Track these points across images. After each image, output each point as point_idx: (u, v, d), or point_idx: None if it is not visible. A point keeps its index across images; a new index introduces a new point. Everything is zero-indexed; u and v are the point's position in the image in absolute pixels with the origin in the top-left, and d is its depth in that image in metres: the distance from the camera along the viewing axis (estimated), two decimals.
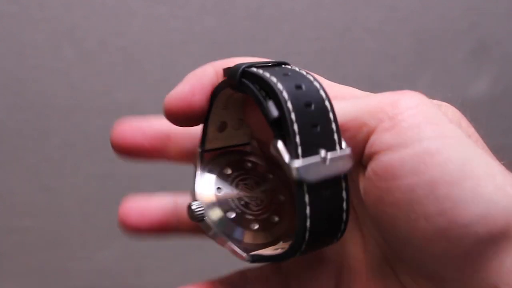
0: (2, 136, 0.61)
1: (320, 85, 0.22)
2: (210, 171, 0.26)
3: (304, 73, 0.23)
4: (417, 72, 0.68)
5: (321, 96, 0.21)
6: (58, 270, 0.63)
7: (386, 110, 0.21)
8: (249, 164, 0.28)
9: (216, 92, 0.25)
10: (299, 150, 0.20)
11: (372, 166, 0.21)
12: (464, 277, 0.19)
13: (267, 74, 0.22)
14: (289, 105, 0.20)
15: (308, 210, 0.20)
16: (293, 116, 0.20)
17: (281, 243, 0.26)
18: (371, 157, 0.21)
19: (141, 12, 0.62)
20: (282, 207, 0.27)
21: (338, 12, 0.65)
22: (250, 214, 0.26)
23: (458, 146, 0.20)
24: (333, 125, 0.21)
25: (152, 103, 0.63)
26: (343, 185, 0.21)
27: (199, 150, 0.27)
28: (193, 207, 0.25)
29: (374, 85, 0.58)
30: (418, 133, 0.20)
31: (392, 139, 0.20)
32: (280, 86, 0.21)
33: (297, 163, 0.20)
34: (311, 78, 0.22)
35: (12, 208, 0.62)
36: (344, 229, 0.22)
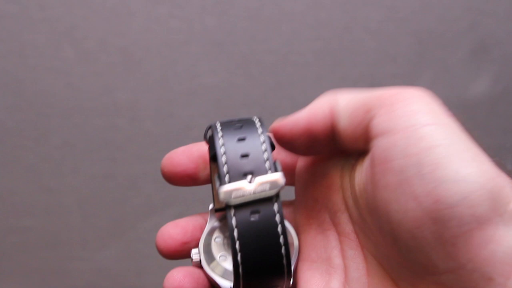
0: (2, 136, 0.61)
1: (266, 137, 0.24)
2: (218, 236, 0.28)
3: (258, 125, 0.25)
4: (417, 72, 0.68)
5: (256, 130, 0.24)
6: (58, 270, 0.63)
7: (388, 99, 0.22)
8: None
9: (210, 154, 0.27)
10: (227, 177, 0.22)
11: (371, 151, 0.22)
12: (458, 267, 0.20)
13: (218, 137, 0.24)
14: (221, 141, 0.23)
15: (235, 233, 0.21)
16: (222, 150, 0.23)
17: None
18: (370, 141, 0.22)
19: (141, 12, 0.62)
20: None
21: (338, 12, 0.65)
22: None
23: (446, 132, 0.21)
24: (265, 155, 0.23)
25: (152, 103, 0.63)
26: (275, 208, 0.22)
27: (210, 207, 0.29)
28: (191, 255, 0.27)
29: (374, 85, 0.58)
30: (410, 120, 0.21)
31: (387, 124, 0.21)
32: (220, 141, 0.24)
33: (224, 187, 0.22)
34: (259, 130, 0.24)
35: (12, 208, 0.62)
36: (289, 265, 0.22)
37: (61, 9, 0.61)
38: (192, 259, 0.27)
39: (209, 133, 0.25)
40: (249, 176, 0.22)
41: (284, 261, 0.22)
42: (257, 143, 0.23)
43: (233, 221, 0.22)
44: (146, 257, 0.65)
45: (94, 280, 0.64)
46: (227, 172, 0.23)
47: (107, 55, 0.62)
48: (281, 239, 0.22)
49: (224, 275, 0.26)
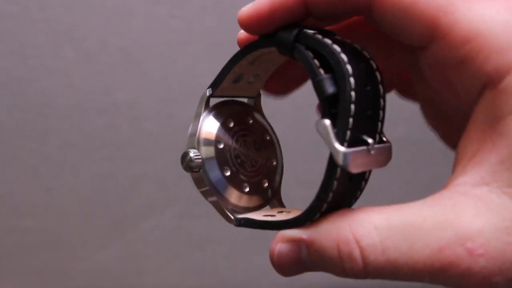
0: (2, 136, 0.61)
1: (376, 65, 0.21)
2: (212, 120, 0.25)
3: (359, 47, 0.21)
4: None
5: (376, 78, 0.20)
6: (58, 270, 0.63)
7: None
8: (251, 120, 0.27)
9: (254, 49, 0.23)
10: (348, 134, 0.19)
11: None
12: (453, 74, 0.20)
13: (328, 41, 0.20)
14: (352, 81, 0.19)
15: (330, 196, 0.20)
16: (353, 94, 0.19)
17: (268, 208, 0.25)
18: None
19: (141, 12, 0.62)
20: (272, 172, 0.26)
21: None
22: (244, 175, 0.25)
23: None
24: (381, 113, 0.20)
25: (152, 103, 0.63)
26: (366, 175, 0.21)
27: (207, 93, 0.26)
28: (191, 155, 0.23)
29: None
30: None
31: None
32: (344, 57, 0.19)
33: (344, 148, 0.19)
34: (367, 55, 0.21)
35: (12, 208, 0.62)
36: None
37: (61, 9, 0.61)
38: (192, 159, 0.23)
39: (307, 40, 0.20)
40: (370, 140, 0.19)
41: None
42: (377, 95, 0.20)
43: (335, 185, 0.19)
44: (146, 257, 0.65)
45: (94, 280, 0.64)
46: (351, 128, 0.19)
47: (107, 55, 0.62)
48: (353, 202, 0.21)
49: (226, 193, 0.24)
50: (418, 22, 0.20)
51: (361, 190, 0.21)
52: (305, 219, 0.21)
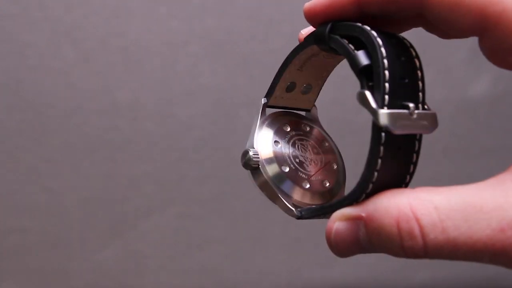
0: (2, 136, 0.61)
1: (410, 43, 0.22)
2: (269, 125, 0.26)
3: (392, 33, 0.22)
4: None
5: (411, 52, 0.21)
6: (58, 270, 0.63)
7: None
8: (308, 128, 0.28)
9: (297, 50, 0.25)
10: (386, 99, 0.20)
11: None
12: None
13: (359, 24, 0.22)
14: (383, 50, 0.20)
15: (379, 163, 0.20)
16: (385, 62, 0.20)
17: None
18: None
19: (141, 12, 0.62)
20: (335, 175, 0.27)
21: None
22: (303, 173, 0.26)
23: None
24: (420, 83, 0.21)
25: (152, 103, 0.63)
26: (416, 146, 0.21)
27: (263, 101, 0.27)
28: (250, 153, 0.25)
29: None
30: None
31: None
32: (374, 33, 0.21)
33: (385, 110, 0.19)
34: (401, 37, 0.22)
35: (12, 208, 0.62)
36: (408, 183, 0.22)
37: (61, 9, 0.61)
38: (250, 157, 0.25)
39: (338, 29, 0.22)
40: (412, 105, 0.20)
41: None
42: (413, 67, 0.21)
43: (381, 151, 0.20)
44: (146, 257, 0.65)
45: (94, 280, 0.64)
46: (388, 93, 0.20)
47: (107, 55, 0.62)
48: (408, 178, 0.21)
49: (286, 189, 0.25)
50: (467, 15, 0.21)
51: (414, 165, 0.21)
52: (359, 191, 0.21)
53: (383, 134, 0.20)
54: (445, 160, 0.67)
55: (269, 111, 0.27)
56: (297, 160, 0.26)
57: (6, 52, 0.60)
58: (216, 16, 0.63)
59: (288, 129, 0.27)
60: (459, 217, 0.19)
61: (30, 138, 0.61)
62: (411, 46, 0.22)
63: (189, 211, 0.64)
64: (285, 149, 0.26)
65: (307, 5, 0.24)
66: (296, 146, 0.26)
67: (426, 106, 0.21)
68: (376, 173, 0.20)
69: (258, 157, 0.25)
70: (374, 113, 0.20)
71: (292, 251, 0.66)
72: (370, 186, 0.20)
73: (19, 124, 0.61)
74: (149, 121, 0.63)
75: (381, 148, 0.20)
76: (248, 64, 0.63)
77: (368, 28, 0.21)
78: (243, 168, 0.26)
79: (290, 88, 0.27)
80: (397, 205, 0.20)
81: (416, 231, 0.19)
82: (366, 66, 0.20)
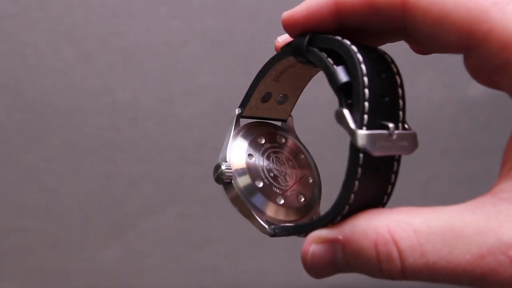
0: (2, 136, 0.61)
1: (391, 59, 0.21)
2: (243, 137, 0.26)
3: (373, 47, 0.22)
4: (417, 72, 0.68)
5: (392, 69, 0.21)
6: (58, 270, 0.63)
7: None
8: (283, 140, 0.27)
9: (273, 61, 0.24)
10: (365, 118, 0.19)
11: None
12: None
13: (339, 37, 0.21)
14: (363, 67, 0.19)
15: (356, 185, 0.19)
16: (365, 79, 0.19)
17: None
18: None
19: (141, 12, 0.62)
20: (310, 190, 0.26)
21: None
22: (278, 188, 0.25)
23: None
24: (400, 101, 0.20)
25: (152, 103, 0.63)
26: (395, 167, 0.20)
27: (237, 112, 0.26)
28: (222, 167, 0.24)
29: None
30: None
31: None
32: (354, 48, 0.20)
33: (363, 130, 0.19)
34: (381, 51, 0.21)
35: (12, 208, 0.62)
36: (386, 203, 0.21)
37: (61, 9, 0.61)
38: (223, 172, 0.24)
39: (319, 42, 0.21)
40: (391, 125, 0.19)
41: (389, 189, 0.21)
42: (394, 84, 0.20)
43: (359, 172, 0.19)
44: (146, 257, 0.65)
45: (94, 280, 0.64)
46: (368, 112, 0.19)
47: (107, 55, 0.62)
48: (385, 199, 0.21)
49: (259, 204, 0.24)
50: (453, 32, 0.20)
51: (392, 185, 0.21)
52: (335, 213, 0.20)
53: (361, 155, 0.19)
54: (444, 160, 0.67)
55: (244, 121, 0.26)
56: (271, 174, 0.25)
57: (6, 52, 0.60)
58: (216, 16, 0.63)
59: (263, 141, 0.26)
60: (438, 241, 0.19)
61: (30, 138, 0.61)
62: (392, 62, 0.21)
63: (189, 211, 0.64)
64: (259, 162, 0.25)
65: (285, 14, 0.23)
66: (271, 159, 0.26)
67: (406, 126, 0.20)
68: (353, 195, 0.20)
69: (231, 171, 0.24)
70: (352, 133, 0.19)
71: (292, 251, 0.66)
72: (347, 208, 0.20)
73: (19, 124, 0.61)
74: (149, 121, 0.63)
75: (359, 169, 0.19)
76: (248, 64, 0.63)
77: (348, 42, 0.20)
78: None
79: (265, 99, 0.26)
80: (375, 228, 0.19)
81: (395, 254, 0.19)
82: (346, 83, 0.20)
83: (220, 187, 0.25)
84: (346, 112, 0.19)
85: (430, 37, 0.21)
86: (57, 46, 0.61)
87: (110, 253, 0.64)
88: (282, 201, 0.25)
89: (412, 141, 0.20)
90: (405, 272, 0.19)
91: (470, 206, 0.19)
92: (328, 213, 0.20)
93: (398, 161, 0.20)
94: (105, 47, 0.61)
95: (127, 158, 0.63)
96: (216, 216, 0.64)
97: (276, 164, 0.26)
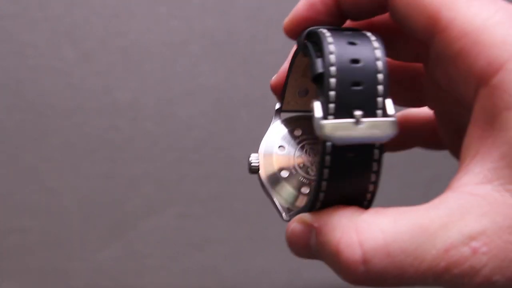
0: (2, 136, 0.61)
1: (380, 44, 0.20)
2: (279, 130, 0.27)
3: (369, 34, 0.21)
4: None
5: (374, 54, 0.20)
6: (58, 270, 0.63)
7: None
8: None
9: (293, 58, 0.25)
10: (331, 108, 0.19)
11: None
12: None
13: (324, 30, 0.21)
14: (332, 56, 0.19)
15: (326, 172, 0.19)
16: (332, 69, 0.19)
17: None
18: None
19: (141, 12, 0.62)
20: None
21: None
22: (305, 178, 0.26)
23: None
24: (380, 87, 0.20)
25: (152, 103, 0.63)
26: (376, 155, 0.20)
27: (276, 106, 0.28)
28: (250, 158, 0.26)
29: None
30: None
31: None
32: (329, 39, 0.20)
33: (326, 121, 0.19)
34: (372, 38, 0.21)
35: (12, 208, 0.62)
36: (371, 200, 0.21)
37: (61, 9, 0.61)
38: (250, 163, 0.26)
39: (305, 39, 0.22)
40: (358, 112, 0.19)
41: (369, 197, 0.21)
42: (372, 71, 0.20)
43: (328, 160, 0.19)
44: (146, 257, 0.65)
45: (94, 280, 0.64)
46: (334, 101, 0.19)
47: (107, 55, 0.62)
48: (371, 188, 0.20)
49: (282, 193, 0.25)
50: (422, 15, 0.20)
51: (377, 173, 0.20)
52: (309, 202, 0.21)
53: (328, 144, 0.19)
54: (445, 160, 0.67)
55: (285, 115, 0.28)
56: (301, 165, 0.26)
57: (6, 52, 0.60)
58: (216, 16, 0.63)
59: (300, 133, 0.27)
60: (406, 239, 0.19)
61: (30, 138, 0.61)
62: (379, 48, 0.20)
63: (189, 211, 0.64)
64: (290, 153, 0.26)
65: (286, 20, 0.24)
66: (305, 150, 0.26)
67: (388, 112, 0.20)
68: (325, 183, 0.20)
69: (257, 162, 0.26)
70: (315, 123, 0.19)
71: None
72: (321, 195, 0.20)
73: (19, 124, 0.61)
74: (149, 121, 0.63)
75: (327, 157, 0.19)
76: (248, 64, 0.63)
77: (324, 31, 0.20)
78: (245, 169, 0.27)
79: (302, 94, 0.27)
80: (343, 227, 0.20)
81: (358, 255, 0.19)
82: (320, 74, 0.20)
83: (247, 173, 0.27)
84: (316, 103, 0.19)
85: (405, 19, 0.21)
86: (57, 46, 0.61)
87: (110, 253, 0.64)
88: (307, 191, 0.25)
89: (385, 129, 0.19)
90: (369, 273, 0.19)
91: (435, 202, 0.20)
92: (307, 201, 0.21)
93: (380, 149, 0.20)
94: (105, 47, 0.61)
95: (127, 158, 0.63)
96: (216, 216, 0.64)
97: (309, 155, 0.27)
